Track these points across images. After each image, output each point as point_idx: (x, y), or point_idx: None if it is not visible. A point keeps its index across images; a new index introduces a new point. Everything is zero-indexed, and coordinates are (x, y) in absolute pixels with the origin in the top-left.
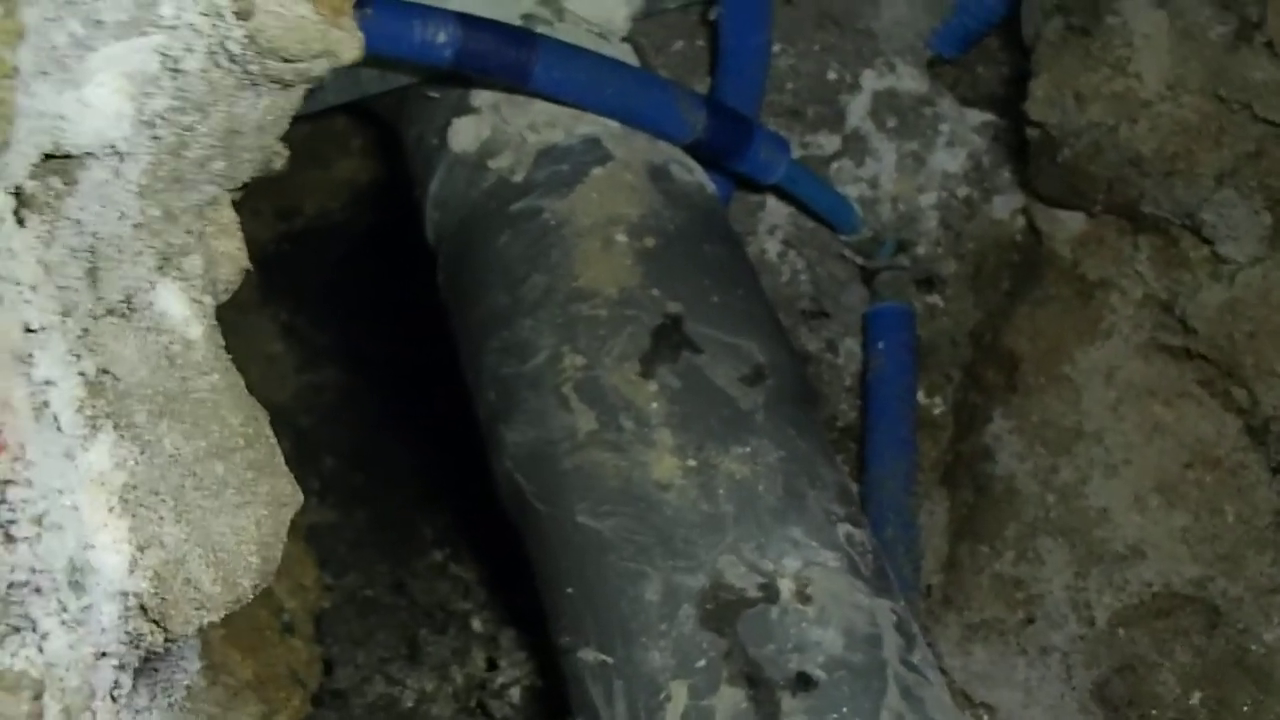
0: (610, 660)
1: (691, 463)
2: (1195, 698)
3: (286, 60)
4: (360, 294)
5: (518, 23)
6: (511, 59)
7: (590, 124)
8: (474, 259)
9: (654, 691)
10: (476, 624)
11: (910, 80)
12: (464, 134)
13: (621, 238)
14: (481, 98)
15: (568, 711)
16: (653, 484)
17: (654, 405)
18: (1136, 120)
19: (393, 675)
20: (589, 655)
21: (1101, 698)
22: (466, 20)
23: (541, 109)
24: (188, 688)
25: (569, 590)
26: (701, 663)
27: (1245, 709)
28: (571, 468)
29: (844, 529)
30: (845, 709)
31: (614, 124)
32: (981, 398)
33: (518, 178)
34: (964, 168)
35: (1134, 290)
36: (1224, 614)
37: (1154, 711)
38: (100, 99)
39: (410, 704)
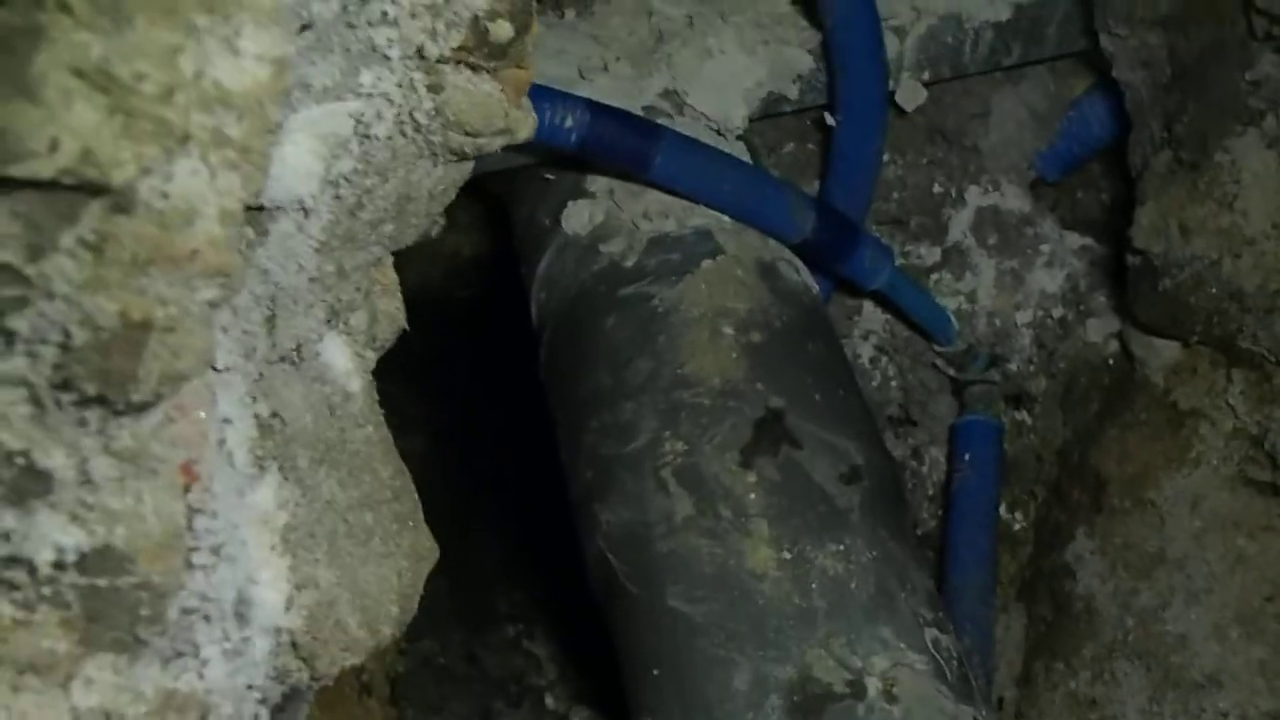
0: None
1: (786, 555)
2: None
3: (468, 134)
4: (451, 367)
5: (639, 113)
6: (634, 148)
7: (702, 216)
8: (579, 339)
9: None
10: (550, 700)
11: (1014, 199)
12: (578, 217)
13: (728, 330)
14: (597, 183)
15: None
16: (747, 573)
17: (752, 496)
18: (1240, 256)
19: None
20: None
21: None
22: (595, 107)
23: (655, 198)
24: None
25: (655, 672)
26: None
27: None
28: (666, 551)
29: (932, 633)
30: None
31: (725, 218)
32: (1065, 516)
33: (629, 263)
34: (1061, 288)
35: (1224, 422)
36: None
37: None
38: (295, 157)
39: None
